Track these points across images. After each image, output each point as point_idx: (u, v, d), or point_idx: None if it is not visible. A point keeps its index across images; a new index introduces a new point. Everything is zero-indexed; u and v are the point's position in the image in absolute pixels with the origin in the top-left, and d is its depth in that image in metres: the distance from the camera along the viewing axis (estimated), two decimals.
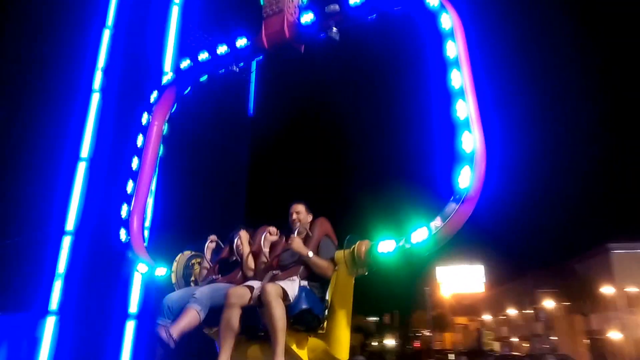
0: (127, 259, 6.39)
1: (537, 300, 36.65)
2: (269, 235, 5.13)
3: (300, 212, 5.12)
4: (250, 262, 5.08)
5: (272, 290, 4.38)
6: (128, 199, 6.89)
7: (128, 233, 6.68)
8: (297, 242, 4.75)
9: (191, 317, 4.52)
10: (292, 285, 4.56)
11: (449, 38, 4.79)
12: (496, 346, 42.74)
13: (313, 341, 4.70)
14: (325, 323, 4.63)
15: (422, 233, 4.30)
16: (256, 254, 5.14)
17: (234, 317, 4.43)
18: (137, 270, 6.24)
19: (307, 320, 4.57)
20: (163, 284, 5.59)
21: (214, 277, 5.06)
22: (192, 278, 5.53)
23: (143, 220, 6.89)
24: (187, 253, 5.67)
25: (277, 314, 4.29)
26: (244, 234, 5.26)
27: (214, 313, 4.58)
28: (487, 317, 47.96)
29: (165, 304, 4.77)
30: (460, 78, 4.58)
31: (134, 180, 7.00)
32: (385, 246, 4.40)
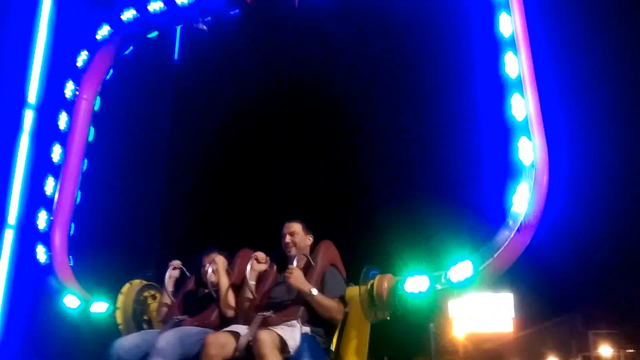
0: (47, 288, 6.68)
1: (590, 344, 37.75)
2: (256, 263, 5.15)
3: (296, 234, 5.17)
4: (231, 299, 5.14)
5: (268, 339, 4.40)
6: (47, 203, 7.11)
7: (49, 251, 6.96)
8: (297, 277, 4.79)
9: None
10: (292, 333, 4.59)
11: (503, 9, 4.96)
12: None
13: None
14: None
15: (464, 268, 4.50)
16: (236, 286, 5.23)
17: None
18: (64, 305, 6.66)
19: None
20: (103, 325, 5.71)
21: (178, 317, 5.10)
22: (145, 317, 5.71)
23: (68, 232, 7.16)
24: (138, 283, 5.82)
25: None
26: (220, 260, 5.30)
27: None
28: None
29: (113, 355, 4.77)
30: (517, 64, 4.77)
31: (56, 177, 7.25)
32: (416, 284, 4.64)
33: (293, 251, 5.13)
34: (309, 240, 5.25)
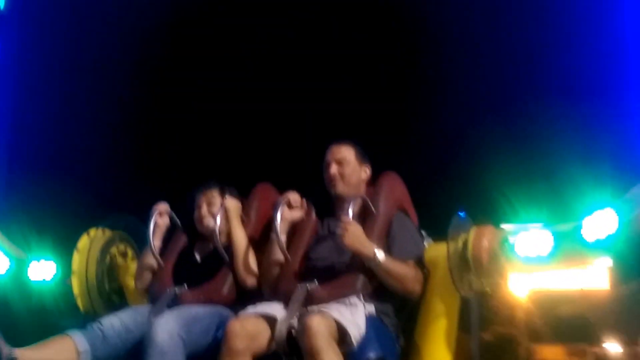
0: None
1: None
2: (287, 210, 4.88)
3: (346, 162, 4.84)
4: (252, 261, 4.90)
5: (323, 327, 4.12)
6: None
7: None
8: (354, 234, 4.46)
9: None
10: (354, 317, 4.36)
11: None
12: None
13: None
14: None
15: (604, 219, 4.43)
16: (255, 241, 5.04)
17: None
18: None
19: None
20: (48, 298, 5.69)
21: (175, 290, 4.86)
22: (113, 285, 5.56)
23: None
24: (100, 234, 5.58)
25: None
26: (232, 204, 5.01)
27: None
28: (614, 348, 50.62)
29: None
30: None
31: None
32: (531, 241, 4.69)
33: (340, 188, 4.83)
34: (364, 173, 4.93)
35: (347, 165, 4.87)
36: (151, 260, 5.12)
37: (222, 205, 5.04)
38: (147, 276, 5.16)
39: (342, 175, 4.85)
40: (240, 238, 4.97)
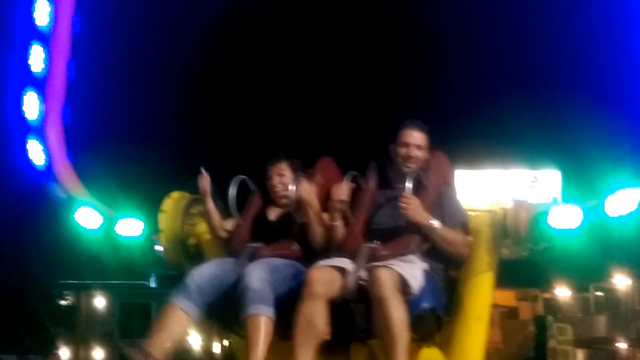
0: (49, 199, 6.85)
1: None
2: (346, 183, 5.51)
3: (423, 148, 5.52)
4: (322, 229, 5.56)
5: (389, 279, 4.85)
6: (38, 84, 7.22)
7: (46, 149, 7.13)
8: (416, 208, 5.17)
9: (265, 329, 5.06)
10: (413, 271, 5.04)
11: None
12: (579, 359, 46.50)
13: (428, 355, 5.35)
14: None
15: (626, 198, 4.96)
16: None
17: (319, 314, 4.91)
18: (78, 223, 6.56)
19: (427, 324, 5.13)
20: (136, 253, 6.16)
21: (254, 245, 5.53)
22: (193, 241, 6.18)
23: (62, 128, 7.29)
24: (180, 196, 6.15)
25: (398, 315, 4.80)
26: (306, 190, 5.56)
27: (275, 307, 5.13)
28: (560, 293, 51.51)
29: (192, 284, 5.26)
30: None
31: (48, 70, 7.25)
32: (564, 215, 5.12)
33: (414, 167, 5.45)
34: (427, 155, 5.56)
35: (423, 150, 5.55)
36: (226, 222, 5.82)
37: (295, 179, 5.68)
38: (223, 233, 5.84)
39: (418, 159, 5.50)
40: (315, 207, 5.59)
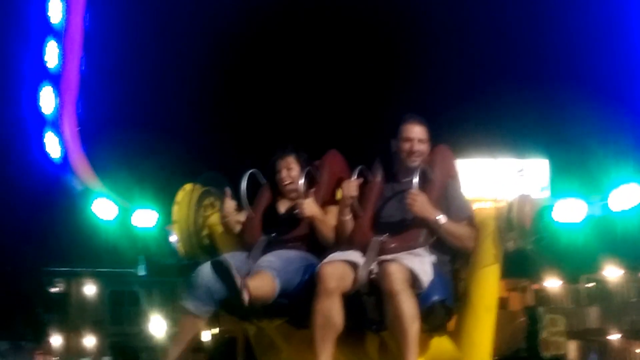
0: (65, 191, 7.01)
1: None
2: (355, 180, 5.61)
3: (424, 141, 5.62)
4: (332, 230, 5.69)
5: (399, 273, 4.99)
6: (53, 79, 7.40)
7: (62, 142, 7.30)
8: (422, 203, 5.29)
9: (266, 279, 5.14)
10: (423, 265, 5.17)
11: None
12: (571, 350, 47.00)
13: (438, 343, 5.53)
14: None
15: (629, 193, 5.68)
16: (325, 201, 5.83)
17: (335, 309, 5.05)
18: (95, 214, 7.17)
19: (437, 316, 5.31)
20: (152, 243, 6.31)
21: (267, 237, 5.66)
22: (205, 232, 6.28)
23: (77, 121, 7.48)
24: (192, 188, 6.26)
25: (409, 310, 4.94)
26: (309, 207, 5.66)
27: (287, 299, 5.30)
28: (551, 284, 51.82)
29: (200, 283, 5.35)
30: None
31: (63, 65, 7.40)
32: (568, 210, 5.72)
33: (418, 162, 5.57)
34: (429, 148, 5.67)
35: (425, 144, 5.65)
36: (244, 212, 5.93)
37: (302, 173, 5.82)
38: (235, 227, 5.97)
39: (421, 153, 5.61)
40: (321, 224, 5.74)
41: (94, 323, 52.15)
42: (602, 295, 46.92)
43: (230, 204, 5.91)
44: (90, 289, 53.59)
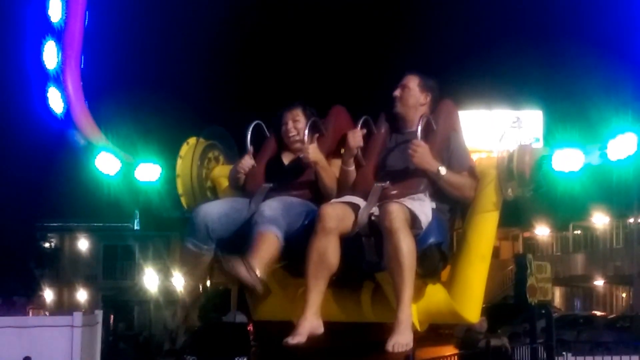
0: (67, 146, 7.03)
1: None
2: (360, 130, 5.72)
3: (408, 88, 5.78)
4: (327, 170, 5.80)
5: (400, 213, 5.12)
6: (56, 34, 7.33)
7: (64, 97, 7.29)
8: (423, 155, 5.41)
9: (270, 244, 5.20)
10: (423, 208, 5.33)
11: None
12: (557, 298, 47.34)
13: (431, 291, 5.66)
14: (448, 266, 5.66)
15: (627, 142, 5.13)
16: (331, 151, 5.95)
17: (331, 248, 5.18)
18: (98, 169, 6.49)
19: (433, 260, 5.43)
20: (154, 196, 6.28)
21: (270, 185, 5.78)
22: (209, 185, 6.39)
23: (80, 73, 7.44)
24: (198, 142, 6.29)
25: (407, 247, 5.07)
26: (313, 152, 5.69)
27: (287, 242, 5.38)
28: (541, 232, 52.67)
29: (199, 223, 5.46)
30: None
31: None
32: (566, 159, 5.33)
33: (398, 108, 5.78)
34: (424, 98, 5.83)
35: (408, 91, 5.80)
36: (245, 162, 6.00)
37: (307, 124, 5.87)
38: (240, 178, 6.03)
39: (401, 98, 5.79)
40: (324, 171, 5.83)
41: (87, 277, 52.46)
42: (588, 242, 47.47)
43: (249, 161, 5.97)
44: (83, 244, 53.83)
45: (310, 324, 5.18)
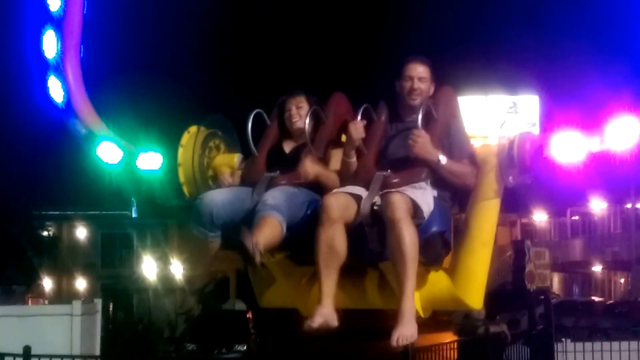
0: (68, 135, 7.05)
1: None
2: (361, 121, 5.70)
3: (425, 80, 5.74)
4: (328, 175, 5.84)
5: (402, 203, 5.13)
6: (56, 22, 7.36)
7: (64, 86, 7.32)
8: (423, 145, 5.42)
9: (273, 227, 5.25)
10: (425, 197, 5.34)
11: None
12: (555, 284, 47.54)
13: (434, 278, 5.70)
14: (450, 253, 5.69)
15: (625, 127, 5.21)
16: (331, 139, 5.99)
17: (338, 237, 5.22)
18: (100, 158, 6.66)
19: (435, 248, 5.47)
20: (156, 185, 6.30)
21: (272, 174, 5.79)
22: (210, 173, 6.37)
23: (80, 62, 7.47)
24: (200, 130, 6.30)
25: (409, 237, 5.09)
26: (308, 166, 5.75)
27: (290, 232, 5.42)
28: (539, 217, 52.77)
29: (205, 210, 5.52)
30: None
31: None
32: (566, 146, 5.41)
33: (418, 100, 5.69)
34: (432, 88, 5.81)
35: (426, 82, 5.77)
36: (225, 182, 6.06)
37: (309, 111, 5.92)
38: (239, 166, 6.15)
39: (421, 91, 5.74)
40: (324, 177, 5.87)
41: (86, 266, 52.44)
42: (586, 227, 47.55)
43: (228, 179, 6.09)
44: (81, 232, 53.78)
45: (328, 310, 5.23)
